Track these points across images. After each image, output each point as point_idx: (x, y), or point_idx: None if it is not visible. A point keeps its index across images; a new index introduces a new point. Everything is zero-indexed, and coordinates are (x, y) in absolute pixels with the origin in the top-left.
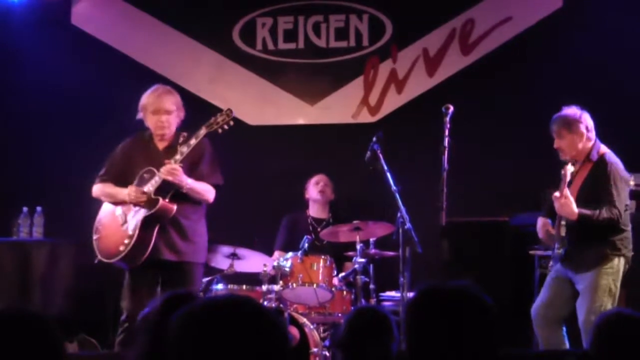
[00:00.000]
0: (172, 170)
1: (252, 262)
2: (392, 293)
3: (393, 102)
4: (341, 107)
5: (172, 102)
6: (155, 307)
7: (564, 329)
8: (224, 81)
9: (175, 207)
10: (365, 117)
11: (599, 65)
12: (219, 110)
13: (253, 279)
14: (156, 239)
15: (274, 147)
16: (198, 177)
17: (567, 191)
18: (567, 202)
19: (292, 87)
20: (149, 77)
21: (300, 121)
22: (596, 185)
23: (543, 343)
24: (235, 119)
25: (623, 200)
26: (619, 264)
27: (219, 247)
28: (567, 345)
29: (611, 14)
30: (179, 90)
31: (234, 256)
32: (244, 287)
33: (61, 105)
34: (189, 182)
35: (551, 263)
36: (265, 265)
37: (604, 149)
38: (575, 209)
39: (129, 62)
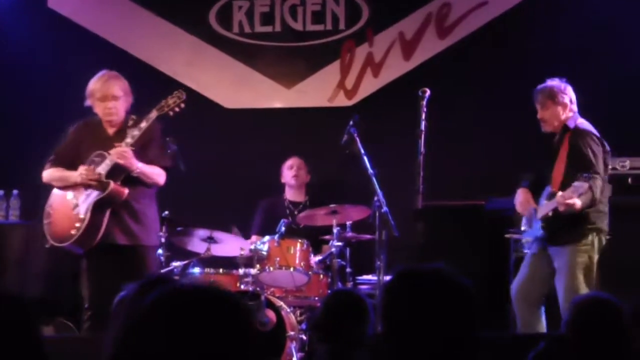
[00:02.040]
0: (123, 153)
1: (229, 245)
2: (369, 276)
3: (369, 85)
4: (317, 91)
5: (119, 88)
6: (132, 291)
7: (543, 308)
8: (200, 64)
9: (126, 190)
10: (342, 101)
11: (576, 49)
12: (196, 93)
13: (230, 262)
14: (109, 223)
15: (250, 130)
16: (148, 161)
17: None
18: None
19: (269, 70)
20: (125, 60)
21: (277, 104)
22: (576, 154)
23: (521, 322)
24: (211, 102)
25: (602, 165)
26: (593, 239)
27: (196, 230)
28: (545, 326)
29: None
30: (155, 73)
31: (210, 240)
32: (221, 270)
33: (37, 88)
34: (139, 166)
35: (527, 239)
36: (242, 249)
37: (581, 120)
38: (578, 205)
39: (105, 45)
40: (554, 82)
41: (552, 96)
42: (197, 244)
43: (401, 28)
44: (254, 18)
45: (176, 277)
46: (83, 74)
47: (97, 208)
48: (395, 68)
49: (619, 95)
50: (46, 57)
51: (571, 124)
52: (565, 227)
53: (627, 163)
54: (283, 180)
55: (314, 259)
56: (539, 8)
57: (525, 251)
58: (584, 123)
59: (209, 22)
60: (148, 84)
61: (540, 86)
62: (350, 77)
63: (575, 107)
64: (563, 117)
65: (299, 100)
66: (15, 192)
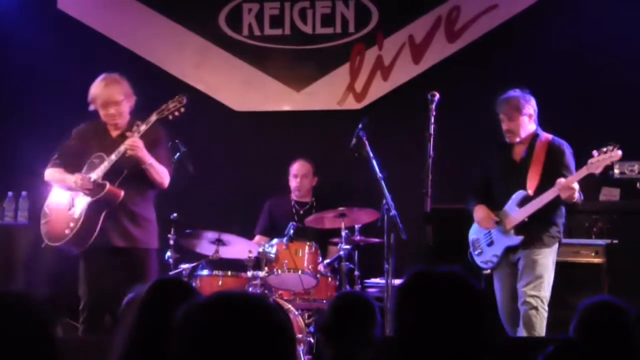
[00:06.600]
0: (134, 143)
1: (237, 248)
2: (377, 280)
3: (379, 88)
4: (327, 94)
5: (119, 92)
6: (142, 293)
7: None
8: (210, 66)
9: (122, 192)
10: (351, 104)
11: (585, 54)
12: (205, 95)
13: (238, 264)
14: (105, 225)
15: (259, 133)
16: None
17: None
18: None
19: (278, 73)
20: (134, 62)
21: (286, 107)
22: (556, 167)
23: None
24: (221, 105)
25: None
26: (557, 247)
27: (204, 232)
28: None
29: (597, 2)
30: (163, 75)
31: (219, 242)
32: (229, 273)
33: (46, 90)
34: (150, 158)
35: (495, 255)
36: (250, 251)
37: (545, 133)
38: (577, 194)
39: (114, 47)
40: (517, 94)
41: (519, 108)
42: (205, 246)
43: (411, 31)
44: (264, 21)
45: (185, 279)
46: (93, 76)
47: (92, 209)
48: (405, 71)
49: (631, 97)
50: (56, 59)
51: (543, 138)
52: (540, 231)
53: (636, 167)
54: (290, 183)
55: (323, 262)
56: (548, 12)
57: (487, 269)
58: (555, 137)
59: (218, 25)
60: (157, 86)
61: (504, 97)
62: (359, 80)
63: (536, 118)
64: (529, 127)
65: (308, 103)
66: (23, 193)
